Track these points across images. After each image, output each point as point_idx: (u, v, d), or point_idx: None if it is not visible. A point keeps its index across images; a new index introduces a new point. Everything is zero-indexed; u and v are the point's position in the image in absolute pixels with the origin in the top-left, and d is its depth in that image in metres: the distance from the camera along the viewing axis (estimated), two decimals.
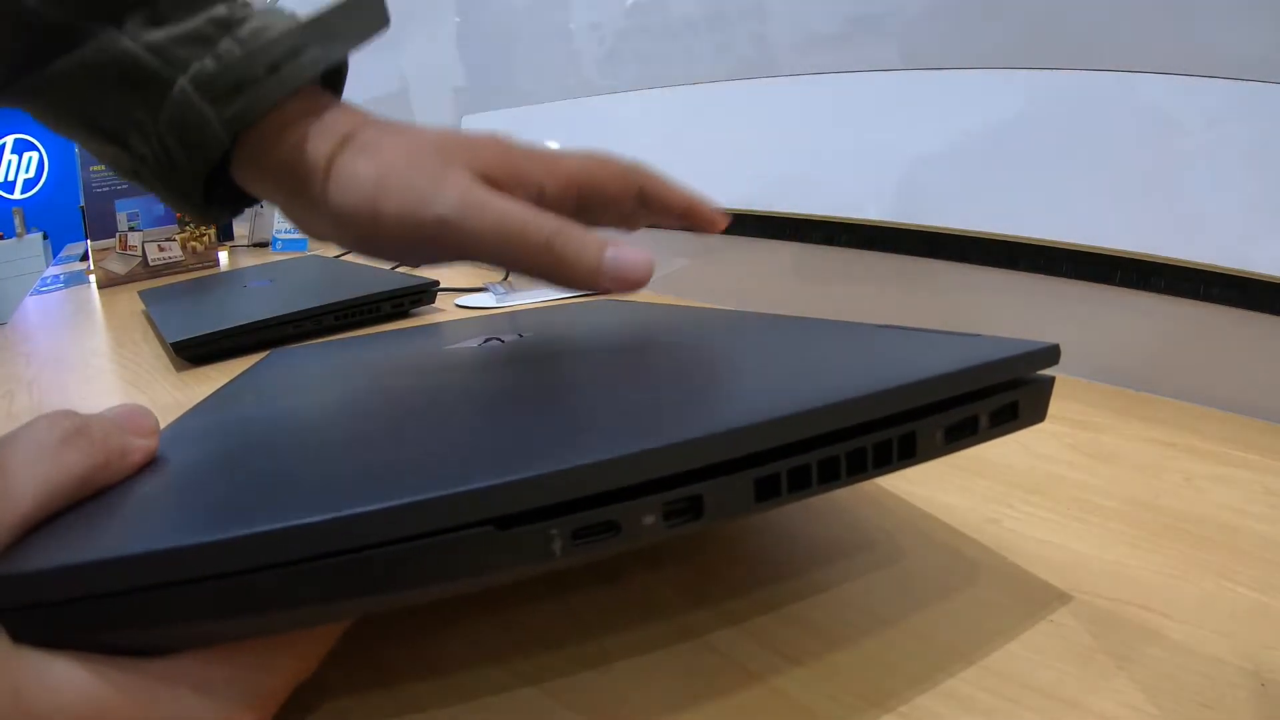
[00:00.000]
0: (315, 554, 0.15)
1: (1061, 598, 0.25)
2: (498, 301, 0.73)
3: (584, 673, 0.22)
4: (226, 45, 0.29)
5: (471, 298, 0.76)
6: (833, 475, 0.19)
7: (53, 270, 1.42)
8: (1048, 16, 0.48)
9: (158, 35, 0.30)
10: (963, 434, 0.21)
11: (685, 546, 0.28)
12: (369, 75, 1.38)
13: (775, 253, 0.65)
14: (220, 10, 0.30)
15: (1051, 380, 0.22)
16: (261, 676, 0.18)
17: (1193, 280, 0.42)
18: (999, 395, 0.21)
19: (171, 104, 0.29)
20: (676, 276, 0.77)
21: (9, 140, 4.51)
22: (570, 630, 0.24)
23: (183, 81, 0.29)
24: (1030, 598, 0.25)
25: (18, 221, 4.36)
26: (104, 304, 0.98)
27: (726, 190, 0.68)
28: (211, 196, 0.33)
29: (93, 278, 1.09)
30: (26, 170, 4.78)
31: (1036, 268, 0.49)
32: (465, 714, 0.21)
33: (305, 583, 0.15)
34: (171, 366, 0.64)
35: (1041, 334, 0.22)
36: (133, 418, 0.21)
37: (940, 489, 0.32)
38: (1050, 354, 0.22)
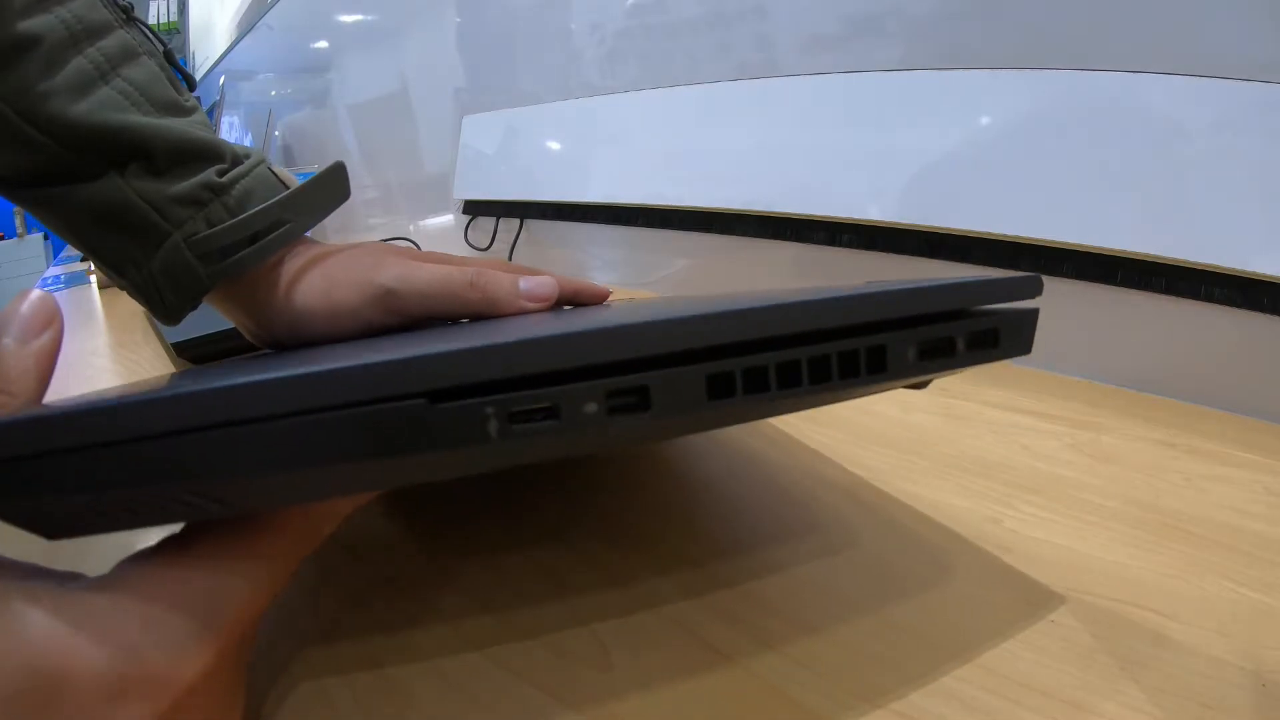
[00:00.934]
0: (236, 419, 0.14)
1: (1062, 598, 0.25)
2: None
3: (584, 673, 0.22)
4: (216, 211, 0.34)
5: None
6: (794, 381, 0.18)
7: (53, 270, 1.42)
8: (1049, 17, 0.48)
9: (157, 189, 0.33)
10: (938, 354, 0.20)
11: (688, 545, 0.28)
12: (370, 75, 1.38)
13: (777, 253, 0.65)
14: (212, 175, 0.34)
15: (1035, 312, 0.22)
16: (209, 605, 0.18)
17: (1192, 280, 0.42)
18: (976, 319, 0.21)
19: (165, 252, 0.34)
20: (677, 276, 0.77)
21: None
22: (570, 630, 0.24)
23: (177, 237, 0.33)
24: (1031, 598, 0.25)
25: (19, 221, 4.36)
26: (104, 304, 0.98)
27: (728, 191, 0.68)
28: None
29: (94, 278, 1.09)
30: None
31: (1037, 268, 0.49)
32: (465, 713, 0.21)
33: (230, 448, 0.14)
34: (172, 367, 0.64)
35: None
36: (20, 318, 0.19)
37: (941, 489, 0.32)
38: (1032, 284, 0.21)
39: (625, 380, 0.16)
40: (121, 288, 0.36)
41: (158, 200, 0.33)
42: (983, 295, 0.20)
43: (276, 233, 0.34)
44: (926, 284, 0.19)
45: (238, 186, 0.34)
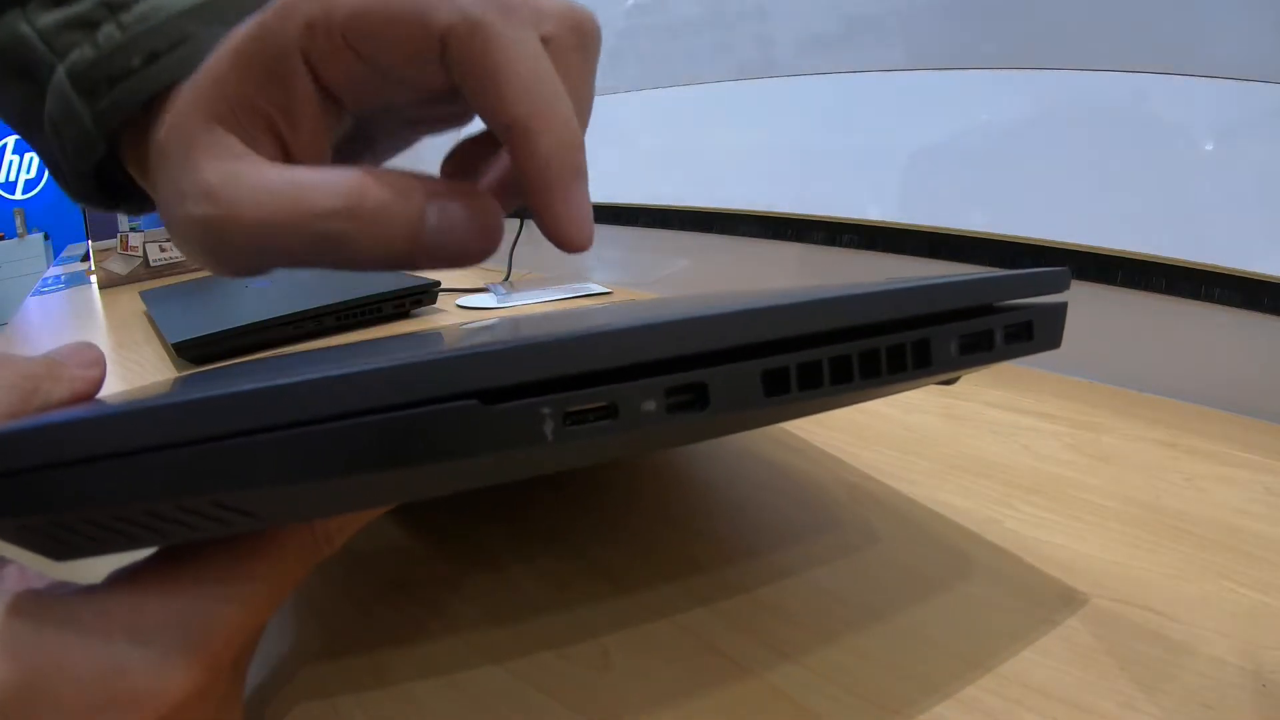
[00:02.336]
0: (274, 424, 0.13)
1: (1063, 598, 0.25)
2: (499, 302, 0.74)
3: (584, 673, 0.22)
4: (108, 30, 0.26)
5: (473, 298, 0.76)
6: (845, 376, 0.18)
7: (54, 271, 1.42)
8: (1049, 16, 0.48)
9: (53, 19, 0.27)
10: (977, 347, 0.20)
11: (697, 550, 0.28)
12: None
13: (777, 253, 0.65)
14: None
15: (1064, 305, 0.22)
16: (201, 624, 0.17)
17: (1192, 280, 0.42)
18: (1013, 313, 0.21)
19: (52, 95, 0.27)
20: (677, 278, 0.77)
21: (10, 141, 4.52)
22: (570, 630, 0.24)
23: (60, 71, 0.26)
24: (1031, 598, 0.25)
25: (19, 222, 4.37)
26: (105, 305, 0.98)
27: (728, 191, 0.68)
28: (116, 193, 0.30)
29: (94, 278, 1.09)
30: (28, 171, 4.78)
31: (1037, 267, 0.49)
32: (465, 713, 0.21)
33: (267, 456, 0.13)
34: (174, 368, 0.64)
35: None
36: (75, 351, 0.21)
37: (941, 489, 0.32)
38: (1061, 277, 0.22)
39: (684, 377, 0.15)
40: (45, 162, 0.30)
41: (49, 29, 0.27)
42: (1018, 289, 0.21)
43: (180, 49, 0.26)
44: (964, 278, 0.20)
45: (145, 1, 0.26)
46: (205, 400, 0.13)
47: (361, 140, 0.25)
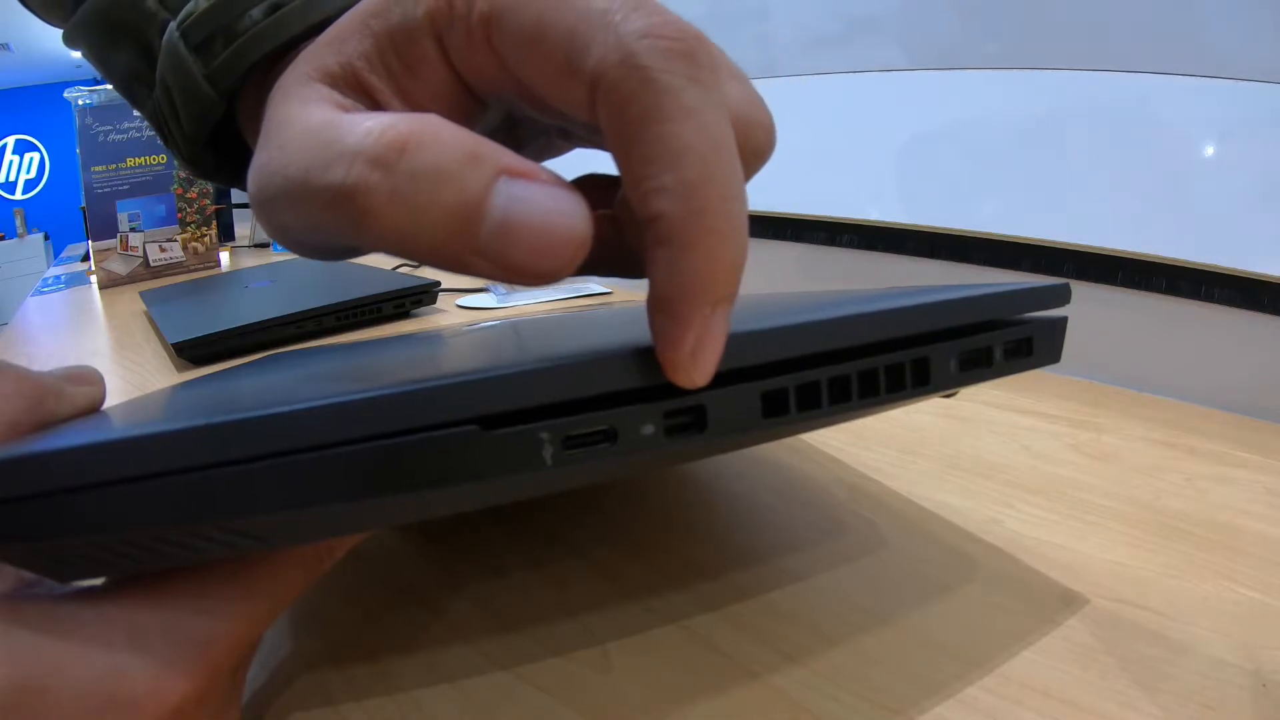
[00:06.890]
0: (278, 450, 0.13)
1: (1063, 598, 0.25)
2: (499, 302, 0.74)
3: (584, 673, 0.22)
4: None
5: (473, 298, 0.76)
6: (844, 396, 0.18)
7: (54, 271, 1.42)
8: (1050, 16, 0.48)
9: None
10: (977, 364, 0.20)
11: (702, 553, 0.28)
12: None
13: (777, 253, 0.65)
14: None
15: (1064, 320, 0.22)
16: (200, 630, 0.17)
17: (1192, 280, 0.42)
18: (1013, 329, 0.21)
19: (165, 53, 0.25)
20: None
21: (10, 141, 4.52)
22: (570, 630, 0.24)
23: (172, 26, 0.25)
24: (1031, 598, 0.25)
25: (19, 222, 4.37)
26: (105, 305, 0.98)
27: None
28: (233, 160, 0.28)
29: (94, 278, 1.09)
30: (28, 170, 4.79)
31: (1037, 268, 0.49)
32: (468, 716, 0.21)
33: (274, 483, 0.13)
34: (173, 367, 0.64)
35: None
36: (74, 370, 0.21)
37: (941, 489, 0.32)
38: (1061, 292, 0.22)
39: (683, 400, 0.15)
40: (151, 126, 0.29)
41: None
42: (1018, 305, 0.21)
43: (295, 3, 0.23)
44: (964, 295, 0.20)
45: None
46: (205, 428, 0.13)
47: (508, 138, 0.22)
